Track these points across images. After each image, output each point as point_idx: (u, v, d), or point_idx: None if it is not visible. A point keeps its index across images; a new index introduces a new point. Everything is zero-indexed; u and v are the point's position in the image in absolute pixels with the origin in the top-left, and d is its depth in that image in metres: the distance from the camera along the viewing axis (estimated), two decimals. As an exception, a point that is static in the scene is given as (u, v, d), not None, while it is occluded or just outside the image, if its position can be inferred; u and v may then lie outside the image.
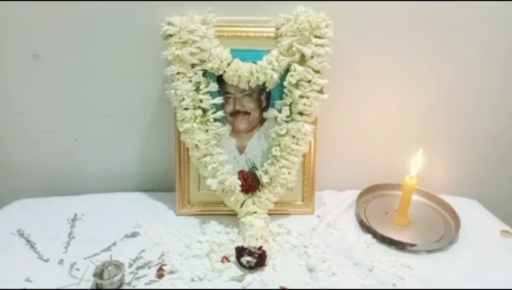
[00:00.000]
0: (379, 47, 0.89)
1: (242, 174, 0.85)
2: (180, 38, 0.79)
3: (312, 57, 0.79)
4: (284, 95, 0.83)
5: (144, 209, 0.91)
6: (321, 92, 0.82)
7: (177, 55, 0.79)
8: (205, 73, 0.82)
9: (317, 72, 0.80)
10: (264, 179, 0.85)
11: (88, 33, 0.85)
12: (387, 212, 0.92)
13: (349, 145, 0.99)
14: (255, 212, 0.85)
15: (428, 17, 0.87)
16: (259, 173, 0.86)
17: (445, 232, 0.87)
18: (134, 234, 0.83)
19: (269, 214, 0.87)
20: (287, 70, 0.82)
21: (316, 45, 0.79)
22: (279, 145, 0.84)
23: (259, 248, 0.74)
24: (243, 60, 0.82)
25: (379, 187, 0.98)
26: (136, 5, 0.82)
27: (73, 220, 0.87)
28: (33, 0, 0.80)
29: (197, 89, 0.82)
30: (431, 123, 0.98)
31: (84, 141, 0.96)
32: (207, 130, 0.83)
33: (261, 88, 0.83)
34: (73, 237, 0.82)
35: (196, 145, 0.82)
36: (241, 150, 0.88)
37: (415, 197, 0.93)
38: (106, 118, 0.93)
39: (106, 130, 0.94)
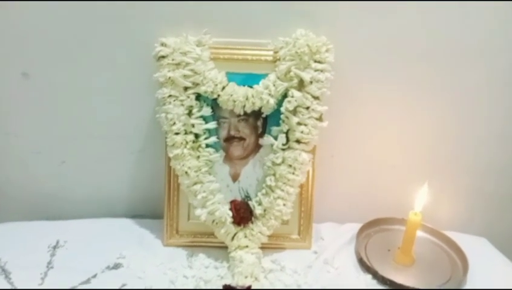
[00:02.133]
0: (381, 73, 0.85)
1: (234, 205, 0.80)
2: (172, 59, 0.75)
3: (311, 82, 0.75)
4: (280, 121, 0.78)
5: (130, 238, 0.85)
6: (320, 119, 0.77)
7: (169, 78, 0.75)
8: (199, 97, 0.78)
9: (316, 98, 0.76)
10: (258, 210, 0.80)
11: (79, 52, 0.82)
12: (389, 250, 0.85)
13: (350, 175, 0.94)
14: (247, 247, 0.79)
15: (433, 43, 0.83)
16: (252, 203, 0.81)
17: (451, 274, 0.80)
18: (116, 266, 0.78)
19: (262, 247, 0.82)
20: (285, 95, 0.78)
21: (316, 70, 0.75)
22: (274, 174, 0.79)
23: (248, 288, 0.68)
24: (239, 84, 0.78)
25: (381, 221, 0.92)
26: (130, 25, 0.80)
27: (54, 247, 0.82)
28: (32, 0, 0.77)
29: (190, 113, 0.78)
30: (437, 153, 0.93)
31: (72, 163, 0.92)
32: (198, 157, 0.79)
33: (258, 113, 0.79)
34: (52, 267, 0.77)
35: (186, 172, 0.77)
36: (235, 177, 0.83)
37: (420, 233, 0.87)
38: (95, 140, 0.89)
39: (96, 152, 0.91)
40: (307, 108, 0.76)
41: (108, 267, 0.78)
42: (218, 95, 0.77)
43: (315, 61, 0.75)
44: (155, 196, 0.91)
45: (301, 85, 0.77)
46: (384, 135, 0.91)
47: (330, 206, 0.93)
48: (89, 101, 0.86)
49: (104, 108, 0.86)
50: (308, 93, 0.76)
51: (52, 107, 0.87)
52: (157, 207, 0.90)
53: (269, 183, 0.78)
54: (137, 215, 0.94)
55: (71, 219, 0.90)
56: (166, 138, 0.78)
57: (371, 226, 0.91)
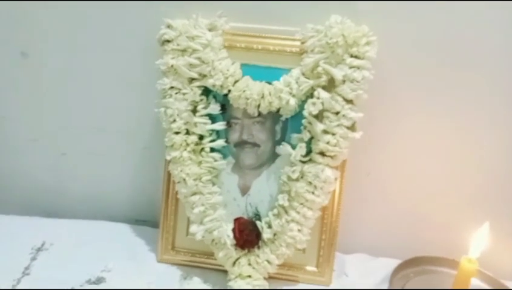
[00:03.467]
0: (435, 78, 0.68)
1: (238, 224, 0.66)
2: (178, 44, 0.63)
3: (344, 81, 0.60)
4: (302, 127, 0.64)
5: (122, 248, 0.75)
6: (352, 128, 0.62)
7: (172, 66, 0.63)
8: (206, 91, 0.66)
9: (349, 102, 0.61)
10: (266, 233, 0.65)
11: (82, 32, 0.73)
12: (431, 299, 0.68)
13: (389, 198, 0.77)
14: (249, 276, 0.65)
15: (501, 46, 0.64)
16: (261, 224, 0.67)
17: None
18: (98, 280, 0.68)
19: (270, 278, 0.67)
20: (310, 96, 0.63)
21: (351, 67, 0.60)
22: (289, 192, 0.64)
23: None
24: (256, 79, 0.65)
25: (425, 260, 0.74)
26: (136, 6, 0.69)
27: (38, 249, 0.74)
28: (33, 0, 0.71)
29: (194, 110, 0.66)
30: (503, 184, 0.73)
31: (71, 155, 0.83)
32: (200, 162, 0.66)
33: (277, 116, 0.66)
34: (27, 274, 0.68)
35: (184, 179, 0.65)
36: (244, 190, 0.69)
37: (474, 280, 0.68)
38: (96, 132, 0.81)
39: (96, 146, 0.82)
40: (337, 113, 0.61)
41: (88, 281, 0.68)
42: (229, 90, 0.64)
43: (351, 56, 0.60)
44: (159, 199, 0.78)
45: (331, 84, 0.62)
46: (435, 153, 0.73)
47: (361, 235, 0.78)
48: (91, 87, 0.77)
49: (107, 97, 0.78)
50: (339, 95, 0.60)
51: (51, 91, 0.79)
52: (159, 212, 0.78)
53: (281, 202, 0.64)
54: (138, 220, 0.85)
55: (65, 218, 0.82)
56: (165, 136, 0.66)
57: (412, 265, 0.73)
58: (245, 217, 0.68)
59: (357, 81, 0.60)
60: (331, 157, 0.62)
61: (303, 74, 0.63)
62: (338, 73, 0.60)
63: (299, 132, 0.65)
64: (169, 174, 0.70)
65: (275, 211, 0.66)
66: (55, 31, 0.74)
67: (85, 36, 0.73)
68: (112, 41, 0.73)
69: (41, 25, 0.73)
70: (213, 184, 0.67)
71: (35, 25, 0.73)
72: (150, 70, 0.68)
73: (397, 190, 0.76)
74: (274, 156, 0.68)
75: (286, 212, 0.64)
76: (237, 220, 0.67)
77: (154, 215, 0.82)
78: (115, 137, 0.80)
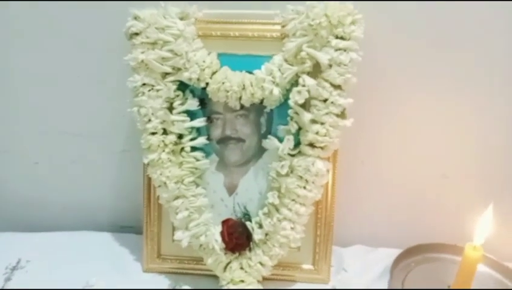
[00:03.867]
0: (427, 58, 0.64)
1: (227, 226, 0.61)
2: (147, 37, 0.58)
3: (330, 66, 0.55)
4: (288, 118, 0.59)
5: (105, 259, 0.70)
6: (342, 116, 0.57)
7: (142, 61, 0.58)
8: (182, 86, 0.61)
9: (337, 87, 0.56)
10: (257, 235, 0.61)
11: (48, 30, 0.68)
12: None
13: (386, 186, 0.73)
14: (242, 281, 0.61)
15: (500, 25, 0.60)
16: (251, 224, 0.62)
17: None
18: (80, 298, 0.62)
19: (264, 280, 0.63)
20: (295, 84, 0.58)
21: (337, 49, 0.55)
22: (279, 189, 0.59)
23: None
24: (235, 69, 0.60)
25: (426, 248, 0.71)
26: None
27: (13, 269, 0.68)
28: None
29: (170, 108, 0.60)
30: (502, 168, 0.69)
31: (46, 164, 0.78)
32: (181, 163, 0.61)
33: (261, 107, 0.61)
34: (1, 296, 0.63)
35: (164, 183, 0.60)
36: (231, 189, 0.65)
37: (479, 266, 0.65)
38: (71, 137, 0.76)
39: (72, 152, 0.77)
40: (325, 101, 0.56)
41: (69, 301, 0.62)
42: (207, 84, 0.59)
43: (336, 37, 0.55)
44: (142, 203, 0.73)
45: (316, 70, 0.57)
46: (432, 135, 0.70)
47: (359, 226, 0.75)
48: (61, 90, 0.73)
49: (79, 99, 0.73)
50: (326, 80, 0.56)
51: (18, 98, 0.74)
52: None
53: (271, 200, 0.59)
54: (124, 226, 0.81)
55: (43, 231, 0.77)
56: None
57: (412, 254, 0.70)
58: (234, 218, 0.64)
59: (345, 65, 0.55)
60: (322, 148, 0.58)
61: (286, 61, 0.58)
62: (323, 57, 0.55)
63: (285, 123, 0.60)
64: (149, 179, 0.65)
65: (265, 209, 0.61)
66: (16, 32, 0.69)
67: (52, 34, 0.68)
68: (77, 38, 0.68)
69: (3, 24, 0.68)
70: (197, 186, 0.63)
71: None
72: (121, 67, 0.62)
73: (393, 176, 0.72)
74: (261, 151, 0.64)
75: (277, 210, 0.60)
76: (225, 223, 0.62)
77: (140, 220, 0.77)
78: (90, 141, 0.76)
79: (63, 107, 0.74)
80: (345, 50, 0.55)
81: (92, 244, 0.74)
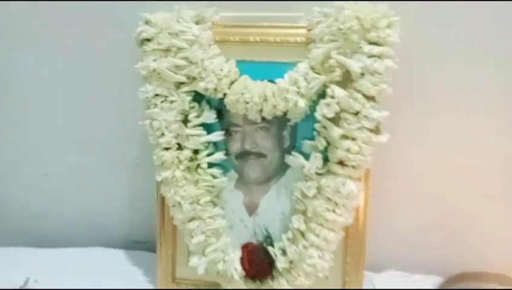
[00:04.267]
0: (469, 65, 0.57)
1: (247, 252, 0.56)
2: (159, 43, 0.53)
3: (363, 74, 0.49)
4: (315, 133, 0.53)
5: (117, 279, 0.66)
6: (376, 131, 0.51)
7: (154, 70, 0.53)
8: (198, 97, 0.56)
9: (370, 99, 0.50)
10: (281, 262, 0.55)
11: (60, 37, 0.67)
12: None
13: (421, 203, 0.66)
14: (263, 312, 0.55)
15: None
16: (274, 250, 0.56)
17: None
18: (89, 324, 0.58)
19: (288, 310, 0.57)
20: (322, 95, 0.52)
21: (370, 56, 0.49)
22: (304, 212, 0.53)
23: None
24: (255, 78, 0.55)
25: (470, 277, 0.63)
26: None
27: (20, 288, 0.64)
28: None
29: (186, 120, 0.55)
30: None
31: (56, 176, 0.76)
32: (197, 181, 0.56)
33: (283, 119, 0.55)
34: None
35: (179, 203, 0.55)
36: (252, 209, 0.59)
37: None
38: (83, 148, 0.73)
39: (84, 164, 0.75)
40: (356, 114, 0.50)
41: (78, 326, 0.58)
42: (224, 94, 0.54)
43: (370, 43, 0.49)
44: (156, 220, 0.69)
45: (347, 79, 0.51)
46: (475, 149, 0.62)
47: (392, 248, 0.67)
48: (73, 99, 0.71)
49: (92, 109, 0.70)
50: (357, 91, 0.50)
51: (28, 107, 0.72)
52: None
53: (296, 225, 0.53)
54: (138, 241, 0.77)
55: (53, 246, 0.74)
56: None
57: (455, 283, 0.63)
58: (254, 241, 0.58)
59: (379, 73, 0.49)
60: (353, 167, 0.52)
61: (312, 69, 0.52)
62: (354, 65, 0.49)
63: (311, 137, 0.54)
64: (162, 196, 0.59)
65: (290, 234, 0.55)
66: (26, 37, 0.67)
67: (63, 41, 0.66)
68: (89, 45, 0.66)
69: (11, 30, 0.65)
70: (215, 205, 0.57)
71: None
72: (134, 74, 0.58)
73: (429, 193, 0.66)
74: (283, 167, 0.58)
75: (303, 235, 0.54)
76: (245, 247, 0.57)
77: (154, 236, 0.72)
78: (102, 153, 0.73)
79: (74, 116, 0.71)
80: (379, 57, 0.49)
81: (104, 263, 0.70)
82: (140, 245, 0.75)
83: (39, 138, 0.73)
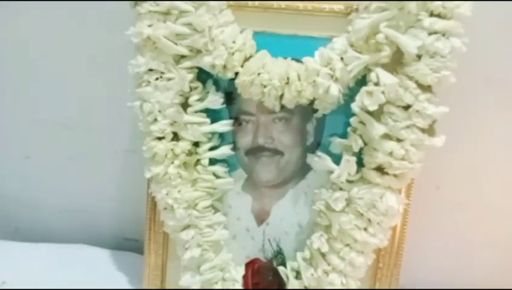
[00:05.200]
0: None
1: (252, 271, 0.47)
2: (156, 4, 0.41)
3: (420, 56, 0.38)
4: (349, 130, 0.43)
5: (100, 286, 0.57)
6: (429, 131, 0.40)
7: (148, 37, 0.42)
8: (202, 75, 0.45)
9: (426, 89, 0.39)
10: (293, 286, 0.44)
11: (42, 10, 0.59)
12: None
13: (467, 217, 0.58)
14: None
15: None
16: (285, 271, 0.46)
17: None
18: None
19: None
20: (362, 80, 0.41)
21: (432, 33, 0.38)
22: (327, 229, 0.43)
23: None
24: (276, 55, 0.44)
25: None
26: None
27: (-15, 291, 0.56)
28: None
29: (185, 104, 0.45)
30: None
31: (39, 159, 0.68)
32: (195, 180, 0.45)
33: (308, 110, 0.45)
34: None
35: (171, 206, 0.44)
36: (261, 218, 0.50)
37: None
38: (68, 130, 0.66)
39: (69, 147, 0.67)
40: (406, 108, 0.39)
41: None
42: (236, 74, 0.43)
43: (432, 15, 0.38)
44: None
45: (396, 62, 0.40)
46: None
47: (429, 268, 0.59)
48: (56, 75, 0.63)
49: (78, 87, 0.63)
50: (410, 78, 0.39)
51: (7, 82, 0.66)
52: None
53: (317, 245, 0.43)
54: (128, 238, 0.70)
55: (34, 240, 0.66)
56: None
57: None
58: (262, 257, 0.48)
59: (442, 56, 0.38)
60: (395, 176, 0.41)
61: (352, 46, 0.41)
62: (409, 43, 0.38)
63: (341, 132, 0.45)
64: (153, 196, 0.49)
65: (307, 253, 0.45)
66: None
67: (35, 16, 0.59)
68: (75, 10, 0.58)
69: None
70: (216, 211, 0.48)
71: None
72: (128, 46, 0.47)
73: (476, 206, 0.58)
74: (304, 169, 0.48)
75: (324, 257, 0.44)
76: (251, 265, 0.47)
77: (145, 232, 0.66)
78: (91, 136, 0.66)
79: (59, 94, 0.64)
80: (443, 34, 0.38)
81: (88, 264, 0.62)
82: (131, 244, 0.68)
83: (20, 117, 0.66)
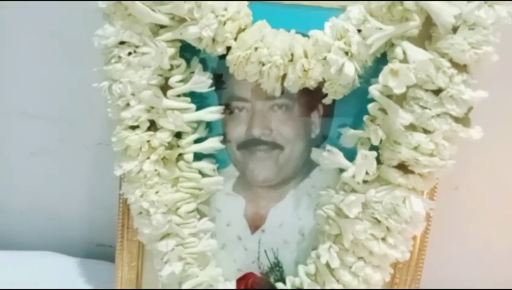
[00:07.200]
0: None
1: (244, 288, 0.40)
2: (129, -40, 0.34)
3: (456, 28, 0.32)
4: (365, 119, 0.36)
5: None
6: (464, 121, 0.35)
7: (120, 2, 0.35)
8: (186, 50, 0.40)
9: (462, 69, 0.33)
10: (295, 307, 0.38)
11: None
12: None
13: (488, 220, 0.55)
14: None
15: None
16: (285, 287, 0.40)
17: None
18: None
19: None
20: (382, 58, 0.35)
21: (472, -1, 0.32)
22: (335, 239, 0.37)
23: None
24: (277, 26, 0.38)
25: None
26: None
27: None
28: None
29: (165, 86, 0.38)
30: None
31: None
32: (177, 179, 0.39)
33: (315, 95, 0.39)
34: None
35: (147, 211, 0.37)
36: (256, 223, 0.45)
37: None
38: (32, 121, 0.62)
39: (33, 141, 0.63)
40: (436, 92, 0.33)
41: None
42: (228, 49, 0.36)
43: None
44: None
45: (425, 35, 0.34)
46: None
47: (450, 274, 0.55)
48: (16, 57, 0.58)
49: (42, 70, 0.58)
50: (443, 55, 0.33)
51: None
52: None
53: (325, 259, 0.37)
54: (101, 244, 0.65)
55: None
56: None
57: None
58: (256, 271, 0.43)
59: (484, 28, 0.32)
60: (421, 175, 0.35)
61: (372, 15, 0.34)
62: (445, 11, 0.32)
63: (353, 123, 0.39)
64: (125, 199, 0.42)
65: (311, 268, 0.40)
66: None
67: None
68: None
69: None
70: (201, 216, 0.41)
71: None
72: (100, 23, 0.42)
73: (500, 209, 0.55)
74: (308, 166, 0.43)
75: (332, 273, 0.37)
76: (243, 281, 0.42)
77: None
78: (57, 128, 0.61)
79: (17, 78, 0.59)
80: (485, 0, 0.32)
81: (54, 274, 0.56)
82: (105, 251, 0.63)
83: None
